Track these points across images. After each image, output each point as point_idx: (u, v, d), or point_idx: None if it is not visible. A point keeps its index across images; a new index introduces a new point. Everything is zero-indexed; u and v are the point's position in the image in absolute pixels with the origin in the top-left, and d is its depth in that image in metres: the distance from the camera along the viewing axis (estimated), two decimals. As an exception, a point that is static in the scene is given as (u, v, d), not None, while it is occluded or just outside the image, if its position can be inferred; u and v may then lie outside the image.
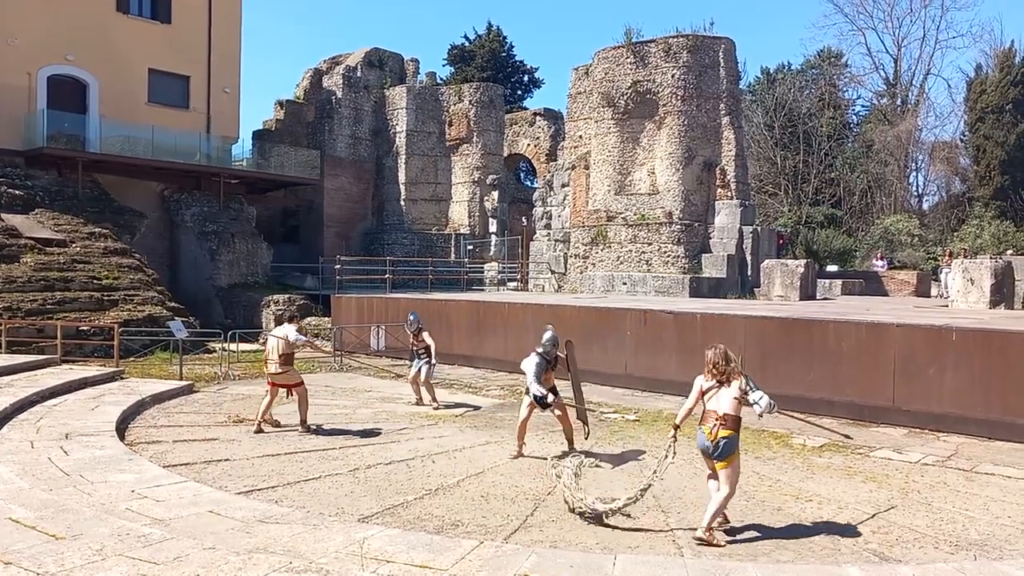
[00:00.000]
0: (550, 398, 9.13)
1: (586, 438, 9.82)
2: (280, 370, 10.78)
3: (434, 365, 13.13)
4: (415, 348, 13.25)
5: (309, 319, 23.87)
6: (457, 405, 13.28)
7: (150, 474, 8.01)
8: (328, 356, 18.97)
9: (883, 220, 38.76)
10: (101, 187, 25.67)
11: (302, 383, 11.00)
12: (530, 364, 9.18)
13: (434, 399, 12.91)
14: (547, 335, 9.34)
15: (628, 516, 7.10)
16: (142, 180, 26.87)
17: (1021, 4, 59.96)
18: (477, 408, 13.15)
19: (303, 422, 10.83)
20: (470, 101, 33.76)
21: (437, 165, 34.39)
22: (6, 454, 8.70)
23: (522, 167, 42.69)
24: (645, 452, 9.67)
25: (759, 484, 8.42)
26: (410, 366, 13.49)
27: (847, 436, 10.15)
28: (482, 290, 29.04)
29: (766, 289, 21.21)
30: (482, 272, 31.21)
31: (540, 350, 9.22)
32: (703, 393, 6.71)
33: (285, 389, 10.97)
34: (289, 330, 10.87)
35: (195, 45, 28.64)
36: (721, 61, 24.05)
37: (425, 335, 13.17)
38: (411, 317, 13.64)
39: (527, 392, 9.29)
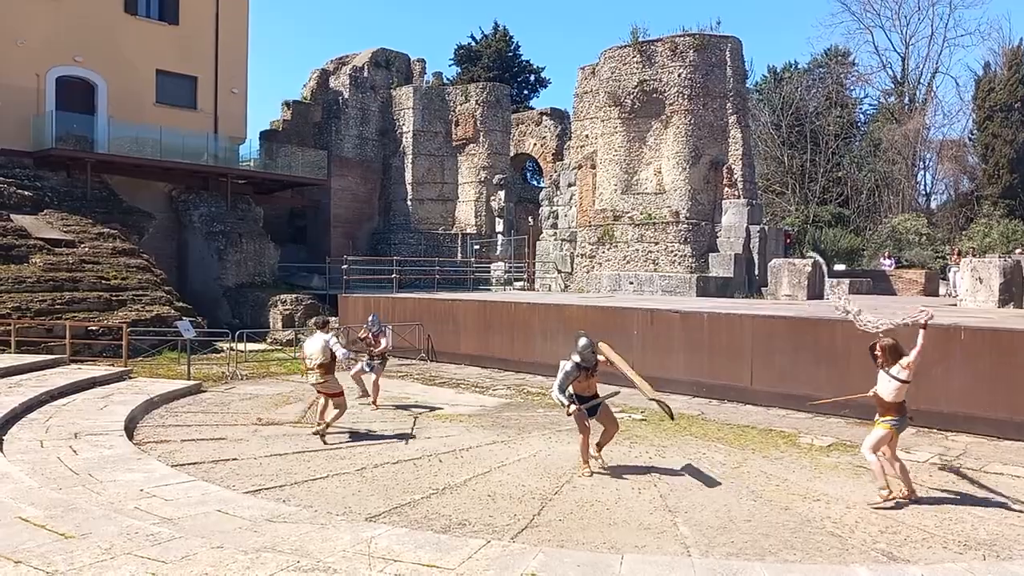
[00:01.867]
0: (572, 408, 8.48)
1: (673, 419, 9.24)
2: (322, 379, 10.33)
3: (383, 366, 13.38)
4: (372, 349, 13.08)
5: (316, 319, 23.93)
6: (400, 407, 12.88)
7: (158, 473, 8.04)
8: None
9: (891, 219, 38.61)
10: (109, 188, 25.78)
11: (342, 393, 10.55)
12: (561, 370, 8.59)
13: (375, 400, 12.85)
14: (581, 342, 8.60)
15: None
16: (150, 180, 26.97)
17: (1030, 2, 59.60)
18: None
19: (322, 426, 10.44)
20: (477, 101, 33.76)
21: (444, 165, 34.40)
22: (16, 453, 8.75)
23: (529, 167, 42.70)
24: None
25: (767, 483, 8.40)
26: (366, 366, 13.20)
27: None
28: (488, 290, 29.05)
29: (773, 288, 21.16)
30: (488, 272, 31.22)
31: (576, 358, 8.52)
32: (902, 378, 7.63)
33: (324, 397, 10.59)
34: (332, 341, 10.42)
35: (203, 46, 28.72)
36: (728, 60, 24.01)
37: (383, 339, 13.28)
38: (372, 318, 13.52)
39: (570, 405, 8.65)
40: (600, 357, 8.81)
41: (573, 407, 8.49)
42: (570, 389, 8.62)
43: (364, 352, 13.45)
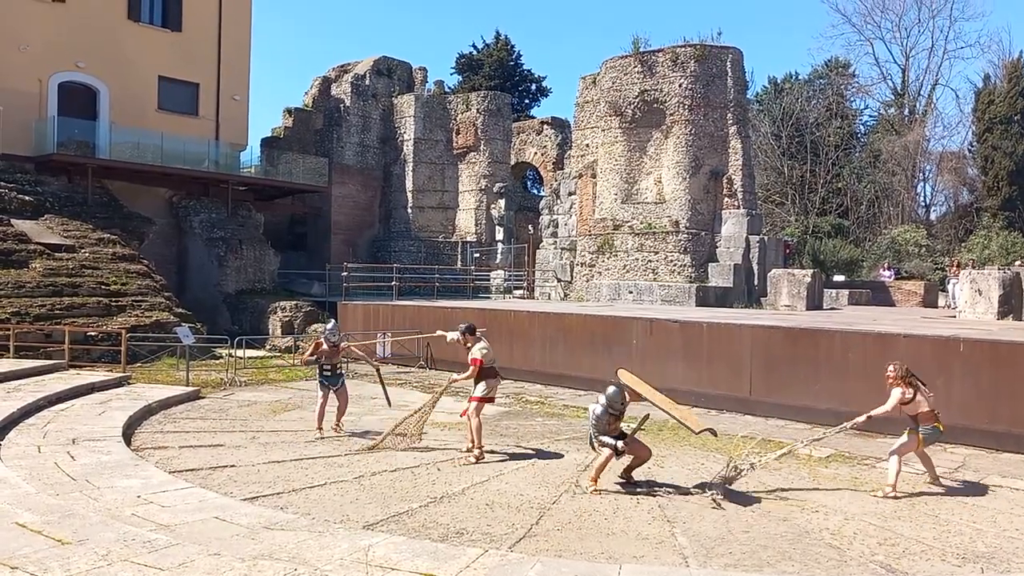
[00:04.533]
0: (619, 445, 8.32)
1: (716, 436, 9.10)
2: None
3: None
4: (333, 363, 11.16)
5: (315, 326, 23.95)
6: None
7: (156, 480, 8.03)
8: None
9: (890, 230, 38.69)
10: (110, 193, 25.80)
11: None
12: (593, 415, 8.50)
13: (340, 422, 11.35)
14: (610, 390, 8.47)
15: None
16: (151, 186, 27.01)
17: (1030, 15, 59.79)
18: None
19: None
20: (478, 109, 33.86)
21: (444, 173, 34.47)
22: (13, 459, 8.73)
23: (529, 175, 42.78)
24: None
25: (765, 495, 8.39)
26: (326, 387, 11.08)
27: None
28: (488, 298, 29.06)
29: (773, 299, 21.17)
30: (488, 280, 31.23)
31: (604, 402, 8.43)
32: (904, 403, 8.41)
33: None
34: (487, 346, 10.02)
35: (205, 53, 28.82)
36: (728, 70, 24.08)
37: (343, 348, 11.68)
38: (330, 325, 11.51)
39: (595, 442, 8.51)
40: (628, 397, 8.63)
41: (620, 443, 8.34)
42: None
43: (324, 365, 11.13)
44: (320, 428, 10.97)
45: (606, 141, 25.17)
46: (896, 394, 8.39)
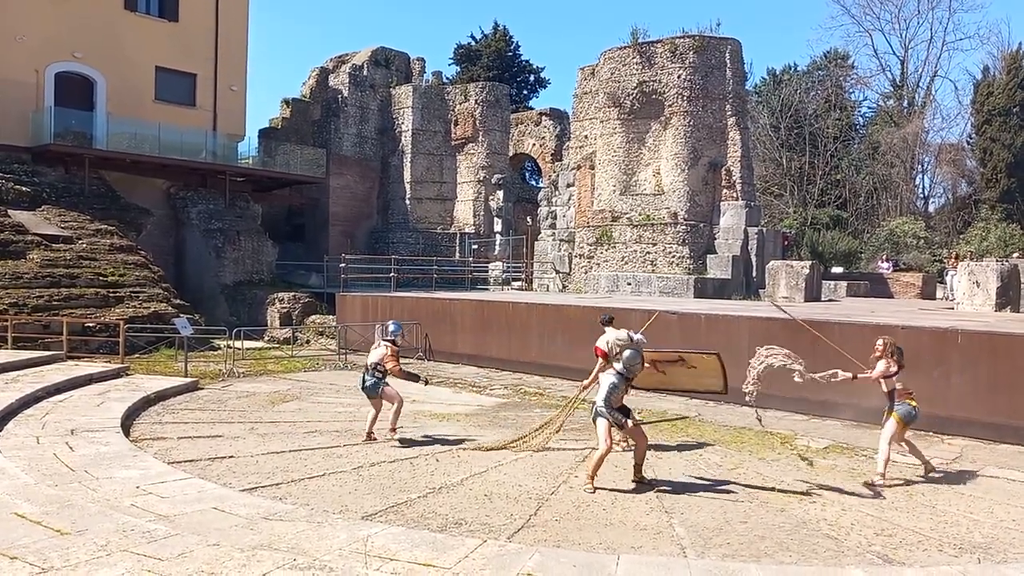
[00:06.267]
0: (629, 422, 8.03)
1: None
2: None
3: None
4: (386, 366, 10.15)
5: (313, 317, 23.95)
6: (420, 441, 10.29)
7: (155, 470, 8.03)
8: (333, 354, 19.05)
9: (889, 222, 38.67)
10: (107, 184, 25.74)
11: None
12: (605, 382, 8.09)
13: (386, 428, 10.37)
14: (627, 353, 8.07)
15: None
16: (148, 177, 26.92)
17: (1029, 6, 59.61)
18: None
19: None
20: (476, 100, 33.78)
21: (442, 164, 34.42)
22: (12, 449, 8.73)
23: (527, 167, 42.69)
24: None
25: (763, 485, 8.41)
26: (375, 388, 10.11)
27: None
28: (486, 289, 29.05)
29: (771, 290, 21.17)
30: (486, 271, 31.23)
31: (619, 368, 8.07)
32: (888, 376, 8.52)
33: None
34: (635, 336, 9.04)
35: (202, 43, 28.70)
36: (727, 62, 24.02)
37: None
38: (392, 327, 10.77)
39: (596, 415, 8.08)
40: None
41: (630, 422, 8.05)
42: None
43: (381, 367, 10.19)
44: (371, 434, 10.06)
45: (605, 132, 25.12)
46: (882, 365, 8.52)
